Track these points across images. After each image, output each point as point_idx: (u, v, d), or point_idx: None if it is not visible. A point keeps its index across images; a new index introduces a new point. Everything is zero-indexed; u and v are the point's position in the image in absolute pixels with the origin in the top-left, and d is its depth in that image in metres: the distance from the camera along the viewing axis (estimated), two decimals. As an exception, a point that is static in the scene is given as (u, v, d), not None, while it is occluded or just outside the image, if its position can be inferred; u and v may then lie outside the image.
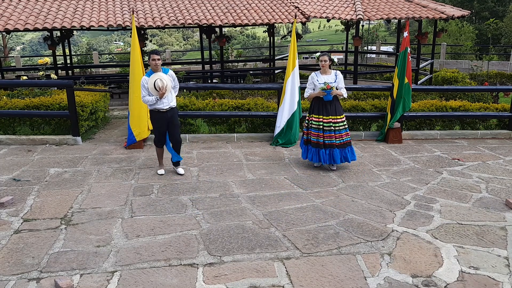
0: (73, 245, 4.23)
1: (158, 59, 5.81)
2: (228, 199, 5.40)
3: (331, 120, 6.30)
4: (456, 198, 5.46)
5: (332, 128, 6.31)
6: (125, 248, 4.16)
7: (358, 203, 5.29)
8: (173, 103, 6.04)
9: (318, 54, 6.45)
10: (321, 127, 6.32)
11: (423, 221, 4.80)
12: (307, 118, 6.56)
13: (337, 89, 6.30)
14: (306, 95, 6.48)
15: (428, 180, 6.12)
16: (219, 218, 4.84)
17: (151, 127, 7.41)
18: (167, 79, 5.86)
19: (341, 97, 6.42)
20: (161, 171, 6.31)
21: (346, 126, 6.46)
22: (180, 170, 6.38)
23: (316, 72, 6.43)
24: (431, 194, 5.60)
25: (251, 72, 14.92)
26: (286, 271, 3.81)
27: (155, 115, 6.01)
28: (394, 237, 4.42)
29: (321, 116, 6.32)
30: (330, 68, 6.40)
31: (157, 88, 5.75)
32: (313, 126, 6.43)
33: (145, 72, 7.21)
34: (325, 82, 6.16)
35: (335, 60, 6.58)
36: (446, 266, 3.89)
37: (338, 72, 6.42)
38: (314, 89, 6.36)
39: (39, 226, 4.63)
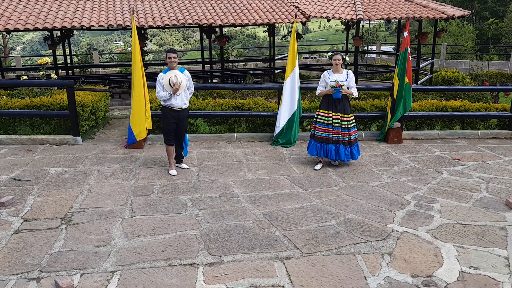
0: (73, 245, 4.23)
1: (174, 57, 6.06)
2: (228, 199, 5.40)
3: (339, 117, 6.43)
4: (456, 198, 5.46)
5: (340, 124, 6.43)
6: (125, 248, 4.16)
7: (358, 203, 5.29)
8: (186, 105, 6.27)
9: (330, 53, 6.56)
10: (330, 122, 6.43)
11: (423, 221, 4.80)
12: (316, 113, 6.67)
13: (348, 88, 6.41)
14: (317, 92, 6.60)
15: (428, 180, 6.12)
16: (219, 218, 4.84)
17: (148, 127, 7.42)
18: (182, 77, 6.12)
19: (352, 96, 6.54)
20: (173, 171, 6.33)
21: (354, 124, 6.62)
22: (184, 165, 6.58)
23: (328, 70, 6.56)
24: (431, 194, 5.60)
25: (251, 72, 14.90)
26: (286, 271, 3.81)
27: (166, 111, 6.21)
28: (394, 237, 4.42)
29: (331, 112, 6.44)
30: (342, 67, 6.53)
31: (171, 84, 6.02)
32: (319, 120, 6.54)
33: (144, 71, 7.29)
34: (335, 81, 6.30)
35: (347, 59, 6.69)
36: (446, 266, 3.89)
37: (350, 71, 6.55)
38: (325, 87, 6.45)
39: (39, 226, 4.63)
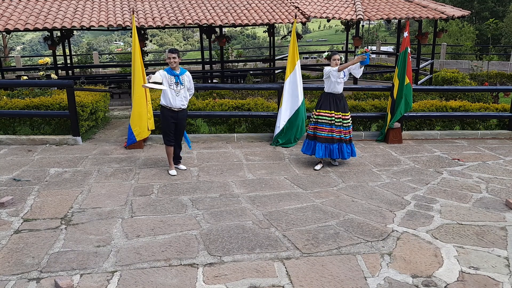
0: (73, 245, 4.23)
1: (174, 57, 5.98)
2: (228, 199, 5.40)
3: (341, 116, 6.51)
4: (456, 198, 5.46)
5: (341, 123, 6.53)
6: (125, 248, 4.16)
7: (358, 203, 5.29)
8: (185, 105, 6.25)
9: (326, 53, 6.63)
10: (333, 122, 6.49)
11: (423, 221, 4.80)
12: (313, 113, 6.69)
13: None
14: (327, 85, 6.53)
15: (428, 180, 6.12)
16: (219, 218, 4.84)
17: (151, 127, 7.41)
18: (185, 79, 6.10)
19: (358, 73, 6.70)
20: (173, 172, 6.33)
21: (351, 122, 6.74)
22: (182, 166, 6.56)
23: (328, 67, 6.57)
24: (431, 194, 5.60)
25: (251, 72, 14.90)
26: (286, 271, 3.81)
27: (165, 112, 6.18)
28: (394, 237, 4.42)
29: (333, 112, 6.49)
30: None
31: (153, 80, 5.80)
32: (320, 121, 6.57)
33: (144, 72, 7.28)
34: (361, 48, 6.32)
35: (342, 58, 6.76)
36: (446, 266, 3.89)
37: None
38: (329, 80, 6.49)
39: (39, 226, 4.63)
